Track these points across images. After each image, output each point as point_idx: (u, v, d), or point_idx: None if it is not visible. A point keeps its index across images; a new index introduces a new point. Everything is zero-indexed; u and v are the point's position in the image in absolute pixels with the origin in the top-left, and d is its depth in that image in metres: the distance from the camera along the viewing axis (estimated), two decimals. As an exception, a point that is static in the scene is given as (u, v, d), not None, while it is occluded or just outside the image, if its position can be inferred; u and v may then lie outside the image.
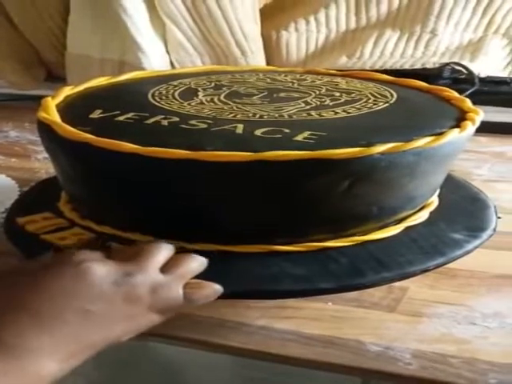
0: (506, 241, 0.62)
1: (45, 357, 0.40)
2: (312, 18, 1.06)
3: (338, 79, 0.69)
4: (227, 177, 0.49)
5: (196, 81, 0.68)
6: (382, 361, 0.47)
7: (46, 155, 0.61)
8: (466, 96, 0.64)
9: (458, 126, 0.55)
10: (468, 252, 0.55)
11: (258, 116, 0.57)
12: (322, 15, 1.06)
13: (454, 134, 0.53)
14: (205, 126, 0.54)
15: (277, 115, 0.57)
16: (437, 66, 0.98)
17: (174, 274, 0.46)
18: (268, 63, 1.04)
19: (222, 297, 0.48)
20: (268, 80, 0.69)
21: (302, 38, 1.06)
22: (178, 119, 0.56)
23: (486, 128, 0.63)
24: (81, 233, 0.55)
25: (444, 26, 1.02)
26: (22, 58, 1.12)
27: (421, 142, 0.51)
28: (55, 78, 1.14)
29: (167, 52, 1.00)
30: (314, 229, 0.53)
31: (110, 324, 0.43)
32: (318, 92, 0.64)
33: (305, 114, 0.57)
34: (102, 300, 0.42)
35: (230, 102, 0.60)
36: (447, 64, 0.98)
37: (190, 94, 0.63)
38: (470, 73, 0.96)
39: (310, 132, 0.52)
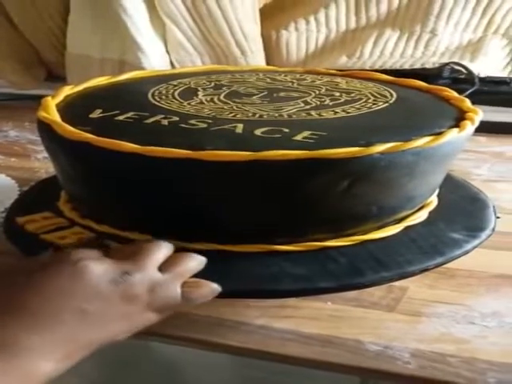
0: (504, 241, 0.62)
1: (41, 356, 0.40)
2: (312, 18, 1.06)
3: (338, 79, 0.69)
4: (227, 176, 0.49)
5: (196, 80, 0.68)
6: (381, 360, 0.47)
7: (46, 155, 0.61)
8: (466, 96, 0.64)
9: (457, 125, 0.55)
10: (467, 252, 0.55)
11: (257, 116, 0.57)
12: (321, 15, 1.06)
13: (453, 134, 0.53)
14: (204, 125, 0.54)
15: (276, 115, 0.57)
16: (436, 65, 0.98)
17: (172, 273, 0.46)
18: (268, 63, 1.04)
19: (222, 296, 0.48)
20: (268, 80, 0.69)
21: (301, 38, 1.06)
22: (177, 119, 0.56)
23: (486, 128, 0.63)
24: (81, 232, 0.55)
25: (444, 26, 1.02)
26: (22, 58, 1.13)
27: (420, 142, 0.51)
28: (55, 77, 1.14)
29: (167, 52, 1.00)
30: (313, 228, 0.53)
31: (108, 323, 0.43)
32: (317, 92, 0.64)
33: (304, 114, 0.57)
34: (100, 299, 0.42)
35: (229, 102, 0.60)
36: (447, 64, 0.98)
37: (189, 93, 0.63)
38: (470, 73, 0.96)
39: (309, 132, 0.52)
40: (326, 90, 0.65)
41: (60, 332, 0.41)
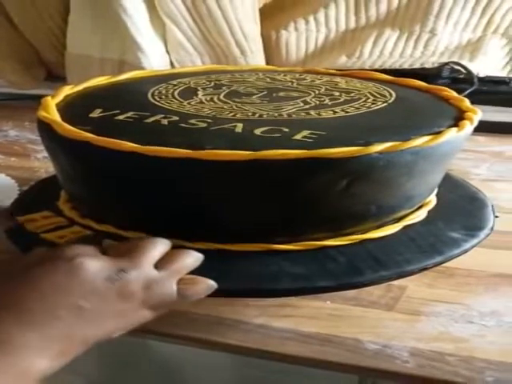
0: (503, 240, 0.62)
1: (36, 353, 0.40)
2: (311, 18, 1.06)
3: (338, 79, 0.69)
4: (226, 176, 0.49)
5: (196, 80, 0.68)
6: (380, 359, 0.47)
7: (46, 154, 0.61)
8: (465, 96, 0.64)
9: (456, 125, 0.55)
10: (466, 251, 0.55)
11: (257, 115, 0.57)
12: (321, 15, 1.06)
13: (452, 134, 0.54)
14: (204, 125, 0.54)
15: (276, 114, 0.57)
16: (436, 65, 0.98)
17: (168, 270, 0.46)
18: (268, 63, 1.04)
19: (221, 295, 0.48)
20: (267, 79, 0.69)
21: (301, 38, 1.06)
22: (177, 118, 0.56)
23: (485, 127, 0.63)
24: (80, 231, 0.56)
25: (443, 26, 1.02)
26: (22, 58, 1.13)
27: (419, 142, 0.51)
28: (55, 77, 1.14)
29: (167, 52, 1.00)
30: (312, 228, 0.53)
31: (103, 320, 0.43)
32: (317, 91, 0.64)
33: (304, 114, 0.58)
34: (95, 296, 0.42)
35: (229, 102, 0.61)
36: (446, 63, 0.98)
37: (189, 93, 0.64)
38: (469, 72, 0.96)
39: (308, 131, 0.52)
40: (326, 89, 0.65)
41: (55, 328, 0.41)
